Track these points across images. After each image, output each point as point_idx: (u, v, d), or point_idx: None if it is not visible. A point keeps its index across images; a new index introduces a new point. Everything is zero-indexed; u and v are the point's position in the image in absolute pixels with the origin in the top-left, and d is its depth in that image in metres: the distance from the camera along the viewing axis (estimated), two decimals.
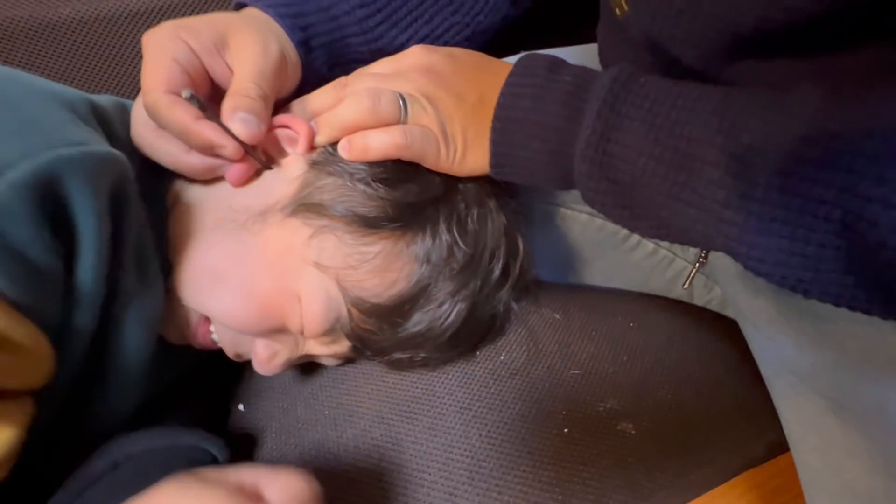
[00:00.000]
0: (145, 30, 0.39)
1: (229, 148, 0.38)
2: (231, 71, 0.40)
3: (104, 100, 0.43)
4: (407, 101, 0.41)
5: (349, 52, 0.48)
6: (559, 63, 0.40)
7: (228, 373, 0.53)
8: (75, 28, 0.62)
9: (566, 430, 0.43)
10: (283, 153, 0.43)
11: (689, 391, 0.47)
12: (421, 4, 0.48)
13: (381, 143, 0.40)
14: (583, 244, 0.59)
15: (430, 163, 0.42)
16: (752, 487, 0.45)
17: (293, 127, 0.41)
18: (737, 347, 0.51)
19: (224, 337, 0.44)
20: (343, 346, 0.45)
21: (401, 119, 0.41)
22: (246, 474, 0.30)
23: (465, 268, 0.43)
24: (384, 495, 0.41)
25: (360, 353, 0.46)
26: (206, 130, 0.37)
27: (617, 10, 0.45)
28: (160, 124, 0.38)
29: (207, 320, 0.44)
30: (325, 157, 0.42)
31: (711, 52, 0.37)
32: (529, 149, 0.40)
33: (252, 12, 0.44)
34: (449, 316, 0.43)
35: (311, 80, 0.45)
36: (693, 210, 0.34)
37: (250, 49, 0.40)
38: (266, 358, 0.43)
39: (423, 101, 0.41)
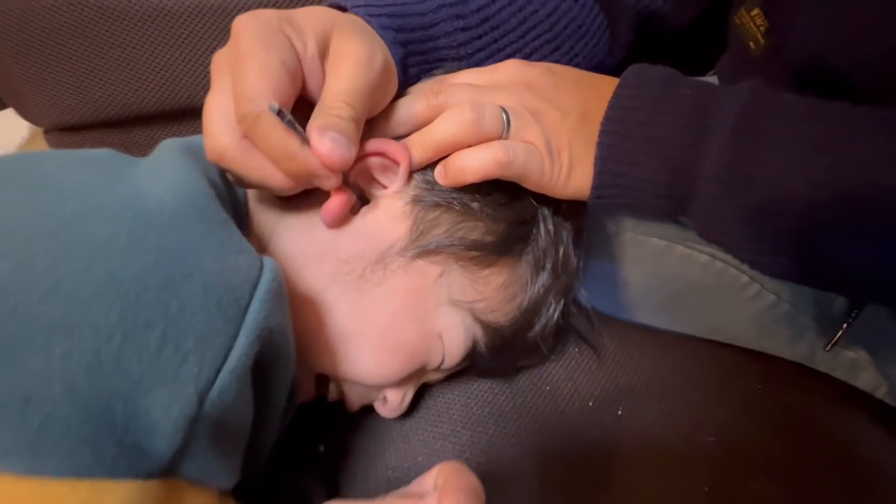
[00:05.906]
0: None
1: (332, 180, 0.33)
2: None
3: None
4: (510, 114, 0.37)
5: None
6: (676, 74, 0.37)
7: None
8: (190, 16, 0.58)
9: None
10: (375, 184, 0.38)
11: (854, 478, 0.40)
12: (522, 37, 0.44)
13: (480, 162, 0.35)
14: (697, 288, 0.53)
15: (531, 181, 0.37)
16: None
17: (390, 155, 0.36)
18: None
19: (352, 393, 0.40)
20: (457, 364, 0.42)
21: (503, 136, 0.37)
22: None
23: (556, 266, 0.41)
24: None
25: (474, 365, 0.44)
26: (312, 158, 0.32)
27: (751, 44, 0.43)
28: (256, 141, 0.32)
29: (324, 378, 0.39)
30: (425, 188, 0.38)
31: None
32: (642, 167, 0.36)
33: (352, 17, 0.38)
34: (553, 314, 0.42)
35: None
36: (864, 246, 0.31)
37: (352, 59, 0.33)
38: (398, 403, 0.40)
39: (527, 114, 0.37)
